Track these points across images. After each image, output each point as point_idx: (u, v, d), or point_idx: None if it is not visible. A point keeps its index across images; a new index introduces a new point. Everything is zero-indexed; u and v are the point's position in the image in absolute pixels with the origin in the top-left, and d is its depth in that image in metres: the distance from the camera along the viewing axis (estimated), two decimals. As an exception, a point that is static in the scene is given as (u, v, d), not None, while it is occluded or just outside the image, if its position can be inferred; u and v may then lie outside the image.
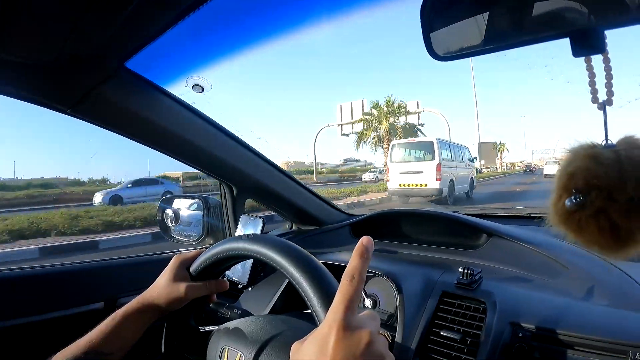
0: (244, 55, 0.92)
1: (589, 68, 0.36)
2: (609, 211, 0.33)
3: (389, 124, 19.30)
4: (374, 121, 19.84)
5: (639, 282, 0.69)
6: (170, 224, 1.15)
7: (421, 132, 20.55)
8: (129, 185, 12.26)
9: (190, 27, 0.64)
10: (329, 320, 0.32)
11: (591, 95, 0.36)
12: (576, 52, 0.36)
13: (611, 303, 0.64)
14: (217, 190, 1.16)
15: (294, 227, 1.28)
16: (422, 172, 9.72)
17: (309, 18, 0.96)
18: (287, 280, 0.92)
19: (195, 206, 1.15)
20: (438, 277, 0.78)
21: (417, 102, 19.40)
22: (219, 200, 1.15)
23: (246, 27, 0.85)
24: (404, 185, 10.06)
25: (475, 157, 16.42)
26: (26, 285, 0.83)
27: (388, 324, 0.77)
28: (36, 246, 5.17)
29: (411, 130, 20.13)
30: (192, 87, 0.88)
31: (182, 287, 0.59)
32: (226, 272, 0.77)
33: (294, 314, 0.82)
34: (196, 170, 1.02)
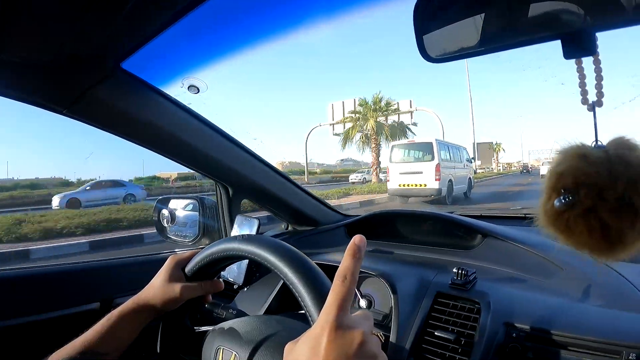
0: (240, 56, 0.92)
1: (580, 70, 0.36)
2: (599, 210, 0.33)
3: (375, 122, 18.00)
4: (360, 119, 18.60)
5: (633, 282, 0.69)
6: (166, 225, 1.15)
7: (411, 131, 19.25)
8: (88, 188, 11.79)
9: (186, 28, 0.64)
10: (322, 320, 0.32)
11: (581, 97, 0.36)
12: (567, 54, 0.36)
13: (605, 303, 0.65)
14: (208, 191, 1.16)
15: (289, 228, 1.28)
16: (421, 172, 9.79)
17: (306, 19, 0.96)
18: (282, 281, 0.92)
19: (191, 207, 1.15)
20: (433, 277, 0.78)
21: (410, 101, 18.43)
22: (215, 201, 1.15)
23: (242, 28, 0.85)
24: (404, 185, 10.13)
25: (473, 158, 16.39)
26: (21, 286, 0.83)
27: (383, 324, 0.77)
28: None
29: (400, 130, 18.76)
30: (188, 87, 0.88)
31: (177, 287, 0.59)
32: (222, 273, 0.77)
33: (289, 315, 0.82)
34: (190, 171, 1.02)
